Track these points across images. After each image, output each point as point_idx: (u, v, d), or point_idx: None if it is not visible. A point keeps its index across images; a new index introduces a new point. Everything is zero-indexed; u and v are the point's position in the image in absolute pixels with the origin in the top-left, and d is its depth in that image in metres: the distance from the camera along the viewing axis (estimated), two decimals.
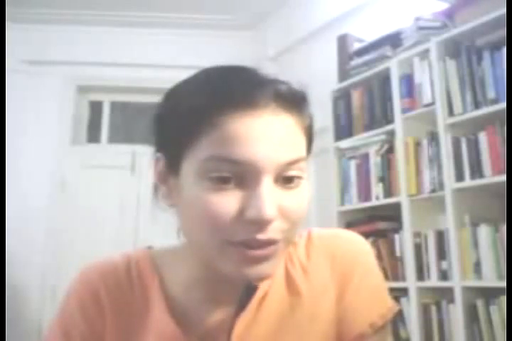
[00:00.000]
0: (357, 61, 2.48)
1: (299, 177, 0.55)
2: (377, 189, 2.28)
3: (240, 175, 0.53)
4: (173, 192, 0.58)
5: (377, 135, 2.32)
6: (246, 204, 0.52)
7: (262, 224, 0.52)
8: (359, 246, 0.68)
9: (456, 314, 1.87)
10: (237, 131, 0.52)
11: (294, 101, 0.56)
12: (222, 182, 0.52)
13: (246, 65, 0.58)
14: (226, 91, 0.53)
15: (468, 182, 1.91)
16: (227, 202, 0.52)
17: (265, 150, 0.52)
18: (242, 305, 0.61)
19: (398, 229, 2.17)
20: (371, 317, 0.64)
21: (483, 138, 1.91)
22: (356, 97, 2.47)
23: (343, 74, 2.55)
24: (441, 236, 2.01)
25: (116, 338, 0.63)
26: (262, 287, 0.63)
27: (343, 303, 0.65)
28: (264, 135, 0.52)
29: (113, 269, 0.66)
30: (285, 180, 0.55)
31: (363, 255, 0.68)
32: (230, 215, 0.52)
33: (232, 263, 0.54)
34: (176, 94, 0.58)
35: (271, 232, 0.53)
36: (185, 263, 0.63)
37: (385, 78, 2.33)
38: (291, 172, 0.55)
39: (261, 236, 0.52)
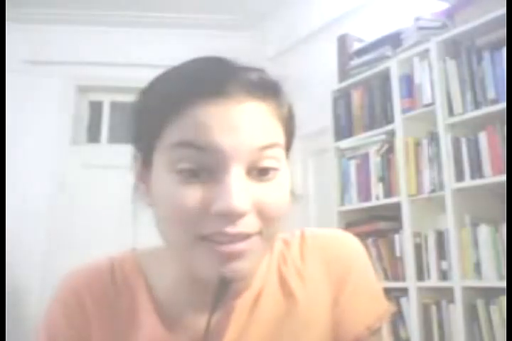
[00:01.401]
0: (357, 61, 2.49)
1: (274, 169, 0.52)
2: (377, 189, 2.28)
3: (208, 167, 0.50)
4: (150, 190, 0.56)
5: (377, 135, 2.32)
6: (214, 197, 0.49)
7: (230, 217, 0.49)
8: (354, 247, 0.67)
9: (456, 314, 1.87)
10: (204, 118, 0.50)
11: (267, 89, 0.54)
12: (189, 175, 0.50)
13: (221, 55, 0.56)
14: (195, 79, 0.52)
15: (468, 182, 1.91)
16: (194, 195, 0.50)
17: (233, 136, 0.50)
18: (215, 306, 0.58)
19: (398, 229, 2.17)
20: (368, 319, 0.64)
21: (483, 138, 1.91)
22: (356, 97, 2.47)
23: (343, 74, 2.55)
24: (441, 236, 2.01)
25: None
26: (253, 288, 0.61)
27: (339, 306, 0.63)
28: (232, 122, 0.50)
29: (97, 273, 0.64)
30: (260, 172, 0.51)
31: (358, 257, 0.66)
32: (196, 208, 0.49)
33: (205, 261, 0.51)
34: (147, 89, 0.57)
35: (242, 226, 0.50)
36: (171, 263, 0.61)
37: (385, 78, 2.33)
38: (266, 163, 0.51)
39: (230, 229, 0.49)
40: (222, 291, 0.57)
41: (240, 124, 0.51)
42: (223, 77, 0.52)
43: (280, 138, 0.54)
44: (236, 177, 0.49)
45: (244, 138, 0.50)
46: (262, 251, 0.53)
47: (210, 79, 0.52)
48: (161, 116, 0.52)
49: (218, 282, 0.54)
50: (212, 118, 0.50)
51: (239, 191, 0.49)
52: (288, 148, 0.58)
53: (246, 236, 0.51)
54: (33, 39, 3.38)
